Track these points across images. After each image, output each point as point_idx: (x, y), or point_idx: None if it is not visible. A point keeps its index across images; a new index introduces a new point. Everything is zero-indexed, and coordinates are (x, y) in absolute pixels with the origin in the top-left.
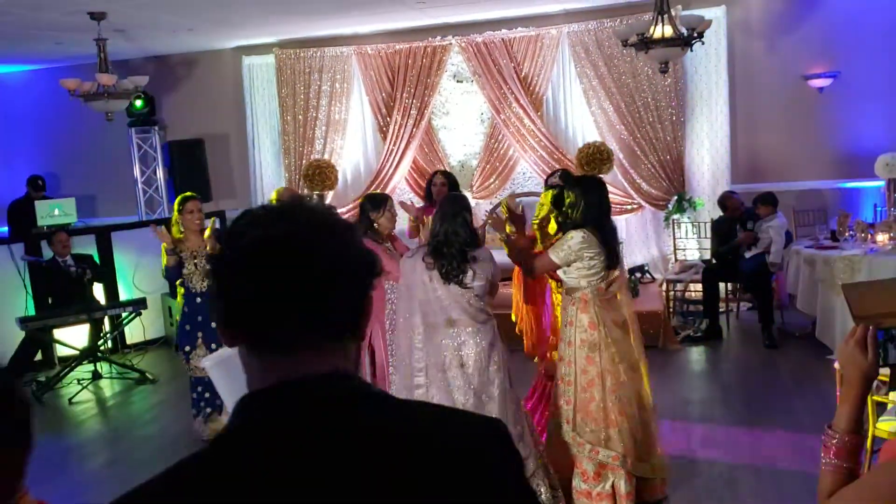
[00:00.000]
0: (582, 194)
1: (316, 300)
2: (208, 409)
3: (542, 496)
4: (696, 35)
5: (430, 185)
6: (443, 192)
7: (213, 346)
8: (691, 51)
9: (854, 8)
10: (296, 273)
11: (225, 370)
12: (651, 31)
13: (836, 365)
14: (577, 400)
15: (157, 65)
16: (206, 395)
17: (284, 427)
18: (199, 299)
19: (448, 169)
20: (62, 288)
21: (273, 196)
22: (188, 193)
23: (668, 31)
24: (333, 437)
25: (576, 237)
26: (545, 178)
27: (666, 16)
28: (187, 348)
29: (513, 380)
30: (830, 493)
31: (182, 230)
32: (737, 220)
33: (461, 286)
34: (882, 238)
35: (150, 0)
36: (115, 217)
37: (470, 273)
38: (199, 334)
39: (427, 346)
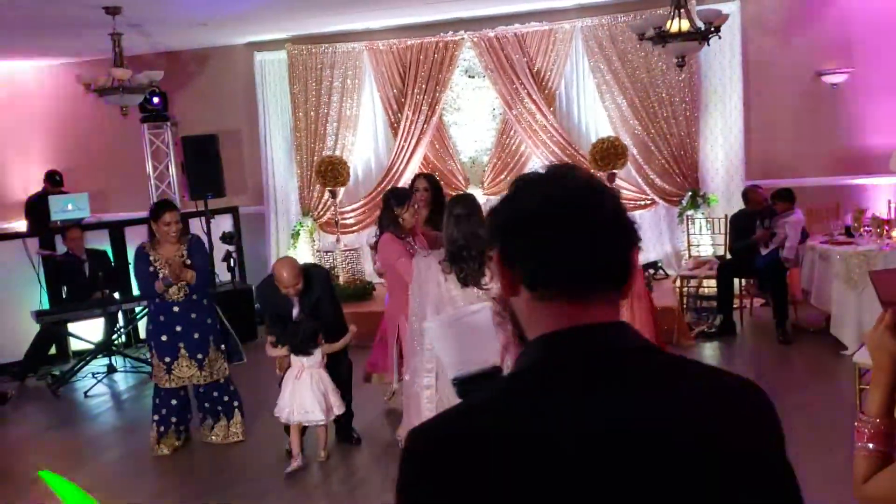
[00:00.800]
0: None
1: (604, 252)
2: (163, 428)
3: None
4: (713, 29)
5: (413, 191)
6: (424, 199)
7: (199, 356)
8: (708, 45)
9: (868, 3)
10: (588, 226)
11: (455, 331)
12: (668, 24)
13: (855, 359)
14: None
15: (169, 60)
16: (162, 410)
17: (583, 364)
18: (176, 308)
19: (459, 165)
20: (76, 283)
21: (274, 266)
22: (164, 202)
23: (685, 25)
24: (627, 376)
25: None
26: None
27: (683, 10)
28: (167, 359)
29: None
30: (866, 478)
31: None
32: (757, 215)
33: (479, 288)
34: None
35: None
36: (126, 212)
37: (488, 274)
38: (181, 344)
39: (439, 347)
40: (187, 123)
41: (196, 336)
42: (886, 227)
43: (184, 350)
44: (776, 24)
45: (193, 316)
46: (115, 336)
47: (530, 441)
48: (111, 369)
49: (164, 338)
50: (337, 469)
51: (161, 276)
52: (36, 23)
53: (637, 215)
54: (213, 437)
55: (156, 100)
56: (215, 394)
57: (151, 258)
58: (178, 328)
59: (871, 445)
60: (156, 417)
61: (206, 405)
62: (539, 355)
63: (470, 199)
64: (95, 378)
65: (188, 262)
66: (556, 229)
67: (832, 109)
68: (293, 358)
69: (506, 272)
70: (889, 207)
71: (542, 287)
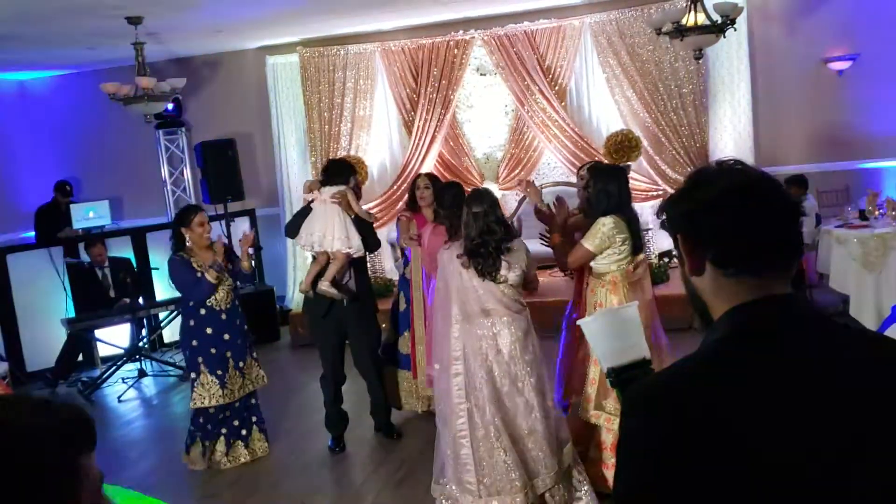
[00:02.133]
0: (602, 184)
1: (784, 232)
2: (207, 442)
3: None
4: (729, 21)
5: (414, 188)
6: (425, 197)
7: (241, 364)
8: (724, 37)
9: None
10: (770, 210)
11: (607, 324)
12: (685, 19)
13: None
14: (600, 379)
15: (180, 66)
16: (208, 426)
17: (781, 327)
18: (224, 316)
19: (473, 162)
20: (101, 290)
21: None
22: (191, 206)
23: (702, 19)
24: (812, 337)
25: (607, 223)
26: (577, 170)
27: (699, 3)
28: (219, 372)
29: (545, 372)
30: None
31: (189, 244)
32: None
33: (495, 281)
34: None
35: (185, 2)
36: (142, 218)
37: (504, 265)
38: (229, 354)
39: (463, 335)
40: (200, 128)
41: (239, 342)
42: None
43: (231, 360)
44: (781, 13)
45: (237, 322)
46: (141, 342)
47: (749, 396)
48: (142, 374)
49: (213, 350)
50: (383, 463)
51: (209, 267)
52: (61, 34)
53: (649, 206)
54: (239, 458)
55: (170, 105)
56: (245, 412)
57: (194, 264)
58: (227, 336)
59: None
60: (201, 434)
61: (236, 423)
62: (734, 323)
63: (487, 196)
64: (126, 383)
65: (229, 266)
66: (745, 212)
67: (838, 96)
68: (318, 192)
69: (692, 254)
70: None
71: (731, 264)
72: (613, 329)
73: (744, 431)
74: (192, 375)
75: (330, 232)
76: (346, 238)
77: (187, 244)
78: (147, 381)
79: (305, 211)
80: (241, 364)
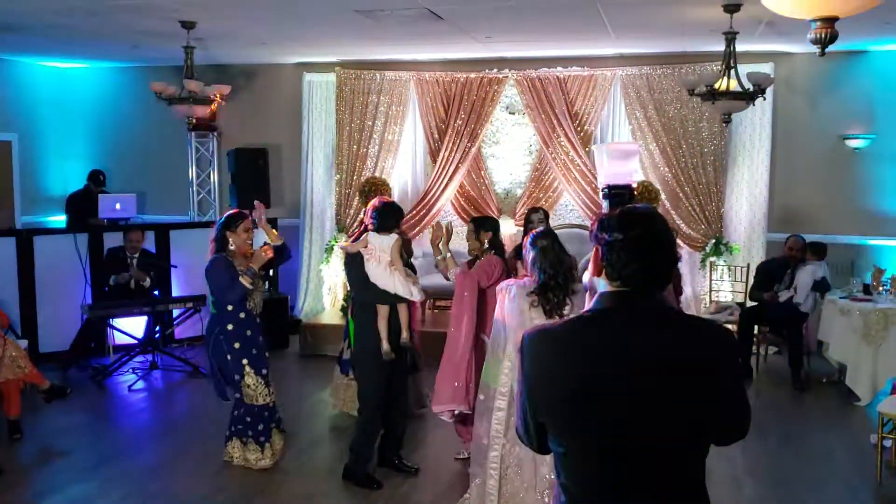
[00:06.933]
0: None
1: (660, 273)
2: (263, 438)
3: None
4: (759, 90)
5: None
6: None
7: (265, 370)
8: (753, 105)
9: (891, 72)
10: (656, 255)
11: None
12: (718, 83)
13: (879, 409)
14: None
15: (218, 72)
16: (259, 425)
17: (627, 308)
18: (258, 320)
19: (493, 196)
20: (125, 280)
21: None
22: (240, 212)
23: (734, 85)
24: (649, 316)
25: None
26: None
27: (733, 70)
28: (264, 371)
29: None
30: None
31: (233, 248)
32: (787, 265)
33: (560, 317)
34: None
35: (239, 12)
36: (163, 214)
37: (568, 307)
38: (267, 354)
39: (513, 373)
40: (231, 134)
41: (265, 347)
42: None
43: (249, 364)
44: (805, 87)
45: (263, 329)
46: (155, 335)
47: (594, 340)
48: (153, 366)
49: (254, 351)
50: (388, 476)
51: (244, 273)
52: (116, 31)
53: None
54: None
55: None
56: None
57: (237, 266)
58: (261, 339)
59: None
60: (251, 433)
61: (272, 424)
62: (599, 302)
63: (550, 232)
64: (137, 374)
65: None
66: (628, 255)
67: (853, 172)
68: (371, 241)
69: (598, 262)
70: None
71: (617, 279)
72: None
73: (593, 357)
74: (236, 377)
75: (392, 288)
76: (408, 290)
77: (230, 247)
78: (157, 375)
79: (357, 259)
80: (264, 371)
